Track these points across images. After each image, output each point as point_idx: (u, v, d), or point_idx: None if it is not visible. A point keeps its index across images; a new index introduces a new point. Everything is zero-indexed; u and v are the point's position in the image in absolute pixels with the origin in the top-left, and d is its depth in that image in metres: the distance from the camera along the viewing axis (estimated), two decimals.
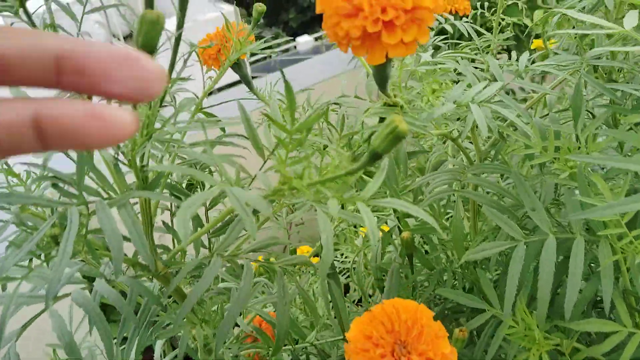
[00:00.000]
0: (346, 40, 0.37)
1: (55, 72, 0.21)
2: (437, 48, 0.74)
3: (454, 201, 0.78)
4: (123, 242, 0.35)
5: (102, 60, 0.20)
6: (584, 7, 0.71)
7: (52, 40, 0.21)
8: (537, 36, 0.90)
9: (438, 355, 0.48)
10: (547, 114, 0.71)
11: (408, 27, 0.35)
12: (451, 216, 0.79)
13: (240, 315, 0.63)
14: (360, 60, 0.84)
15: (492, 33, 0.65)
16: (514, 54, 0.66)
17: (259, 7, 0.60)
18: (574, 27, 0.65)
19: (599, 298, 0.64)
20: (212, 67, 0.68)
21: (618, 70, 0.67)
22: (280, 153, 0.32)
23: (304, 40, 2.37)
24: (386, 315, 0.50)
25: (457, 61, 0.53)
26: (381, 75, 0.41)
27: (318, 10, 0.37)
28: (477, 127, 0.48)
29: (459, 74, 0.60)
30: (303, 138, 0.31)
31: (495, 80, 0.62)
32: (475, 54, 0.66)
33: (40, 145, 0.21)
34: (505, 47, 0.72)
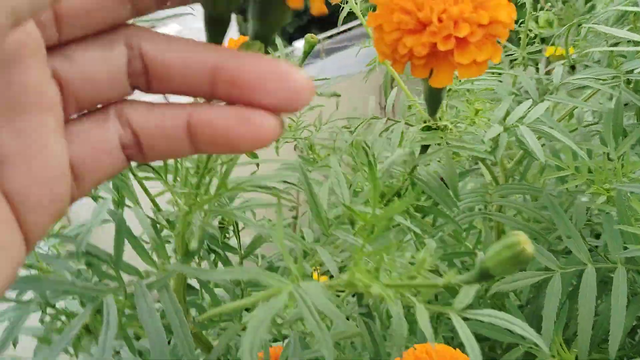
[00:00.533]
0: (406, 59, 0.31)
1: (209, 82, 0.21)
2: None
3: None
4: (166, 343, 0.30)
5: (255, 72, 0.21)
6: (607, 19, 0.67)
7: (210, 52, 0.21)
8: (542, 40, 0.86)
9: None
10: (576, 129, 0.67)
11: (483, 45, 0.30)
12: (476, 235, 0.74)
13: None
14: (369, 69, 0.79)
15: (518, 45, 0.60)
16: (541, 65, 0.61)
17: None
18: (606, 42, 0.61)
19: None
20: None
21: None
22: (354, 240, 0.27)
23: (302, 45, 2.31)
24: None
25: (499, 79, 0.48)
26: (436, 98, 0.36)
27: (372, 24, 0.31)
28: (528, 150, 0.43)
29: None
30: (384, 225, 0.26)
31: (528, 95, 0.57)
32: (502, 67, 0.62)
33: (193, 149, 0.22)
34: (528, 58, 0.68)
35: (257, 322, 0.21)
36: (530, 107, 0.47)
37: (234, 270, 0.25)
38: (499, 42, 0.32)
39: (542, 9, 0.66)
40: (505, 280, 0.58)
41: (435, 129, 0.42)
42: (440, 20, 0.29)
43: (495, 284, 0.59)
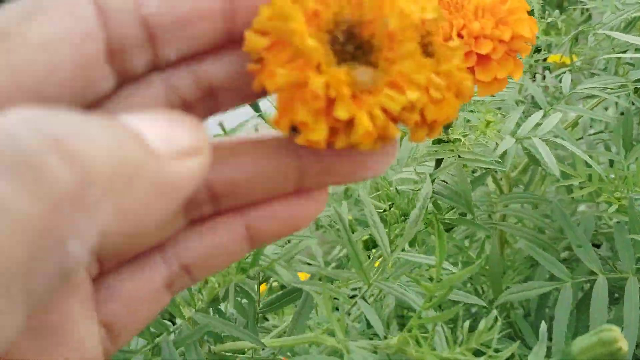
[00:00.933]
0: None
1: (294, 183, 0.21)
2: None
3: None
4: None
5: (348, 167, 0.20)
6: (613, 27, 0.67)
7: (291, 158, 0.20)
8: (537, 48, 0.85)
9: None
10: (581, 137, 0.66)
11: (505, 61, 0.29)
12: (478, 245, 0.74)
13: None
14: None
15: None
16: (548, 73, 0.61)
17: None
18: (613, 49, 0.60)
19: None
20: None
21: None
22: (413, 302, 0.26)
23: None
24: None
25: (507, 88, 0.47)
26: None
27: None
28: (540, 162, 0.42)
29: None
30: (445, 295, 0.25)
31: (536, 103, 0.57)
32: None
33: (252, 247, 0.21)
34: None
35: None
36: (542, 117, 0.46)
37: (286, 339, 0.24)
38: (519, 57, 0.31)
39: (543, 17, 0.65)
40: (513, 290, 0.58)
41: (446, 141, 0.42)
42: (460, 36, 0.29)
43: (503, 293, 0.59)
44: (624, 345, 0.24)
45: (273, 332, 0.47)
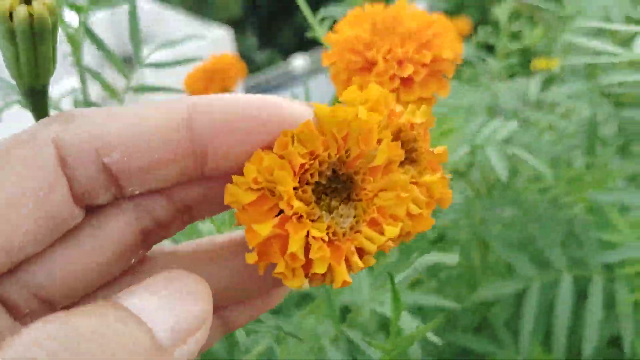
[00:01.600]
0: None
1: None
2: None
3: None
4: None
5: None
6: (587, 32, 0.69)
7: None
8: (528, 53, 0.87)
9: None
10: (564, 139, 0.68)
11: (427, 82, 0.32)
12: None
13: None
14: None
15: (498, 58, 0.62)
16: (522, 80, 0.63)
17: None
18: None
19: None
20: None
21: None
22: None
23: (299, 62, 2.31)
24: None
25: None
26: None
27: (325, 64, 0.34)
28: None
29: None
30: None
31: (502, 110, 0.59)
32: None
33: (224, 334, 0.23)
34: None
35: None
36: (499, 125, 0.48)
37: None
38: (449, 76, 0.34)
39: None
40: (486, 289, 0.60)
41: None
42: (386, 60, 0.32)
43: (476, 292, 0.61)
44: None
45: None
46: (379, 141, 0.20)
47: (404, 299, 0.37)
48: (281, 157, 0.19)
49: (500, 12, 0.56)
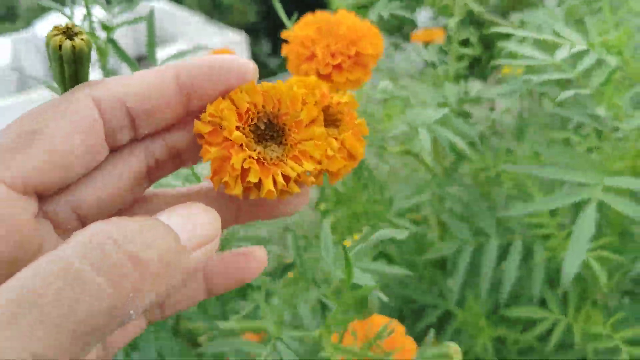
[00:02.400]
0: None
1: None
2: None
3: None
4: None
5: None
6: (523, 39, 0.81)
7: None
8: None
9: None
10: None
11: (353, 69, 0.45)
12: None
13: None
14: None
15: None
16: (472, 82, 0.76)
17: None
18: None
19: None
20: None
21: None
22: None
23: None
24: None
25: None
26: None
27: (283, 54, 0.47)
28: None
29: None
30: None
31: (450, 103, 0.72)
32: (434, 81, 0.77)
33: (207, 295, 0.30)
34: (467, 74, 0.83)
35: None
36: (435, 112, 0.61)
37: (232, 324, 0.40)
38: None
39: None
40: (430, 251, 0.73)
41: None
42: (323, 53, 0.45)
43: (425, 254, 0.74)
44: (457, 358, 0.36)
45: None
46: (305, 105, 0.28)
47: (367, 267, 0.47)
48: (232, 102, 0.27)
49: (451, 21, 0.69)
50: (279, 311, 0.53)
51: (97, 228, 0.20)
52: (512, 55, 0.83)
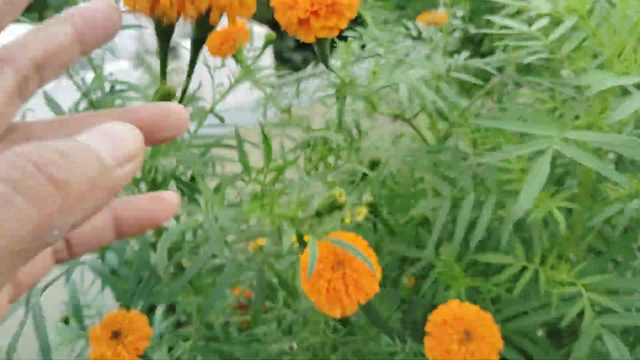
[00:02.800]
0: (290, 25, 0.54)
1: None
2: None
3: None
4: None
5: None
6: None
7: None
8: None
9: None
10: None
11: (329, 16, 0.52)
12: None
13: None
14: None
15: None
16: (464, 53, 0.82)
17: (269, 35, 0.78)
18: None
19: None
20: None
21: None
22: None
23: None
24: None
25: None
26: (321, 52, 0.58)
27: (271, 4, 0.54)
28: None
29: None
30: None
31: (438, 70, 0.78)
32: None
33: (117, 236, 0.29)
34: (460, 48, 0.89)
35: (169, 234, 0.44)
36: (415, 72, 0.68)
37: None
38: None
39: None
40: (417, 205, 0.79)
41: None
42: (303, 1, 0.52)
43: (411, 209, 0.80)
44: (341, 199, 0.44)
45: None
46: None
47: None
48: None
49: None
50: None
51: (17, 151, 0.20)
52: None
